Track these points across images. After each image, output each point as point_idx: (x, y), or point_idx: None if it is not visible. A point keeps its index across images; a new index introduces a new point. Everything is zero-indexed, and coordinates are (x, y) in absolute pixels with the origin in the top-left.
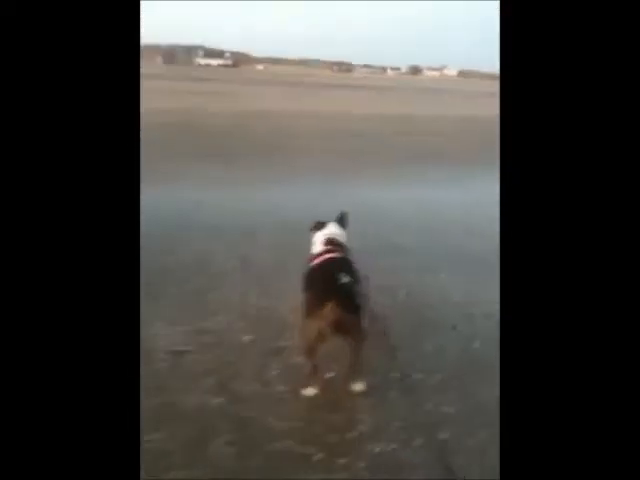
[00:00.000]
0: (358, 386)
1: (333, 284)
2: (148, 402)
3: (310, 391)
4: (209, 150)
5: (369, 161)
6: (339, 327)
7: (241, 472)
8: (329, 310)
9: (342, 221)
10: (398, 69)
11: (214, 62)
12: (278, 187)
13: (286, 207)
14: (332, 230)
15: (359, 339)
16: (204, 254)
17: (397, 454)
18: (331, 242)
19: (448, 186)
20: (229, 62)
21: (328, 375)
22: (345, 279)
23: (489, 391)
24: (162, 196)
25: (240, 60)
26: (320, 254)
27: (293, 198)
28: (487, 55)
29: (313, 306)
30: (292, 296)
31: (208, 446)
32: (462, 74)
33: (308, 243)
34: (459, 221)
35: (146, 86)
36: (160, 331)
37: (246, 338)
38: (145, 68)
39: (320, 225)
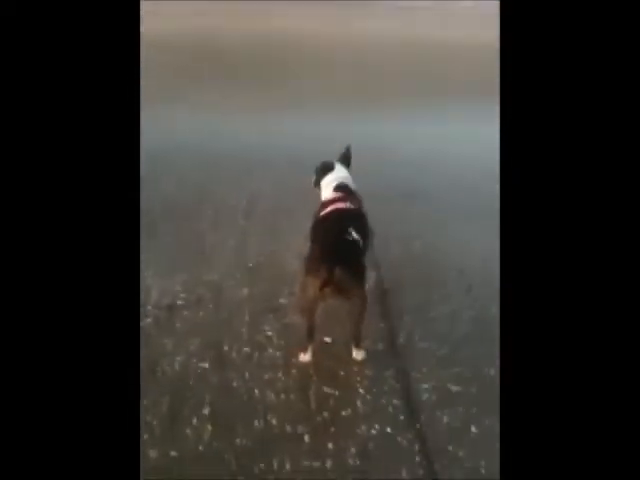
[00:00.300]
0: (358, 354)
1: (339, 240)
2: None
3: (304, 357)
4: (224, 74)
5: (395, 93)
6: (341, 288)
7: (219, 453)
8: (331, 269)
9: (346, 157)
10: None
11: None
12: (294, 116)
13: (300, 140)
14: (341, 173)
15: (362, 301)
16: (205, 189)
17: (394, 438)
18: (342, 189)
19: (475, 122)
20: None
21: (326, 339)
22: (353, 236)
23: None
24: (168, 121)
25: None
26: (329, 203)
27: (307, 130)
28: None
29: (314, 262)
30: (298, 245)
31: (186, 421)
32: None
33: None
34: (482, 163)
35: (169, 8)
36: (149, 280)
37: (243, 292)
38: None
39: (328, 166)
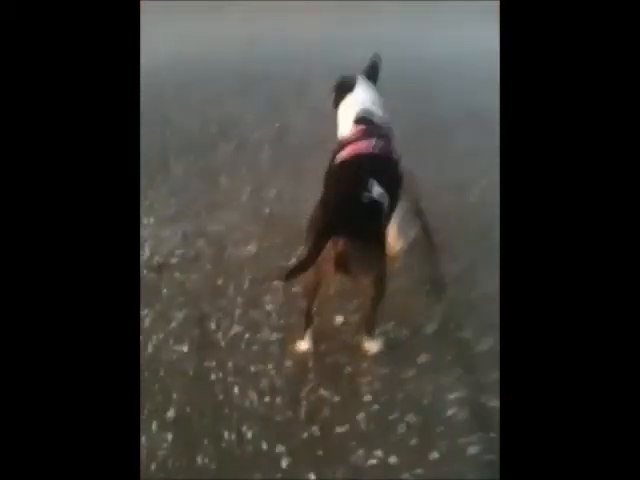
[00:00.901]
0: (371, 345)
1: (351, 201)
2: None
3: (302, 345)
4: None
5: None
6: (348, 265)
7: (172, 476)
8: (336, 241)
9: (372, 71)
10: None
11: None
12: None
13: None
14: (365, 94)
15: (379, 281)
16: (227, 119)
17: (398, 473)
18: (365, 121)
19: None
20: None
21: (338, 319)
22: (373, 195)
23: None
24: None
25: None
26: (347, 143)
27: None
28: None
29: (315, 230)
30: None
31: (142, 427)
32: None
33: None
34: None
35: None
36: (144, 231)
37: (248, 249)
38: None
39: (347, 84)
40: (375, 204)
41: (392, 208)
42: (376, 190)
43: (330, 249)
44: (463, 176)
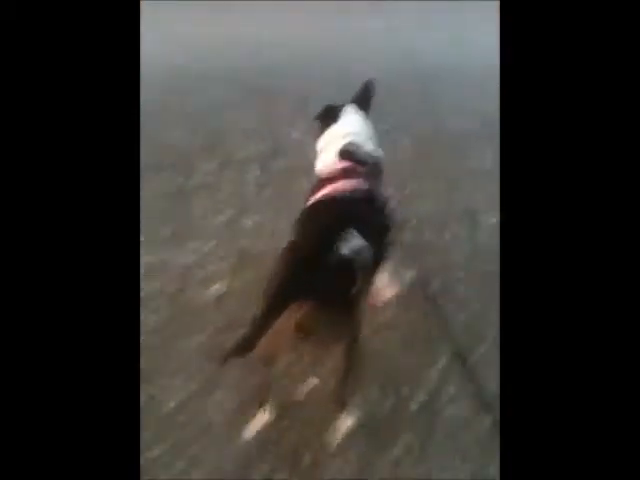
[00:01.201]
0: (340, 427)
1: (315, 258)
2: None
3: (250, 432)
4: None
5: None
6: (311, 333)
7: None
8: (294, 308)
9: (364, 97)
10: None
11: None
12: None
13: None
14: (352, 125)
15: (350, 351)
16: (217, 130)
17: None
18: (349, 155)
19: None
20: None
21: (302, 390)
22: (342, 252)
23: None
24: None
25: None
26: (326, 181)
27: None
28: None
29: (273, 291)
30: None
31: None
32: None
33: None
34: None
35: None
36: None
37: (213, 290)
38: None
39: (331, 114)
40: (345, 262)
41: (379, 256)
42: (353, 243)
43: (289, 317)
44: (475, 200)
